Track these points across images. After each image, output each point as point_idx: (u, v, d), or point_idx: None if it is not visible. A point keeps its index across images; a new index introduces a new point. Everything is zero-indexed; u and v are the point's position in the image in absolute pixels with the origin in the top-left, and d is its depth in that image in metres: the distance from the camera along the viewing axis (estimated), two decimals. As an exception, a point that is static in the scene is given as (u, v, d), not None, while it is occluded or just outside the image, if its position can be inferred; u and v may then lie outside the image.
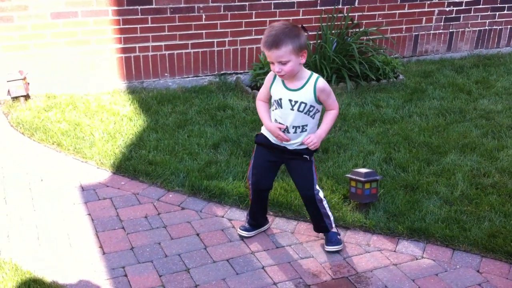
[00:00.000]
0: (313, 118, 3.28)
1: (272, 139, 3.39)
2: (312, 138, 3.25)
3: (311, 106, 3.22)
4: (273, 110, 3.35)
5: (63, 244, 3.52)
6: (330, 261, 3.44)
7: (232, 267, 3.35)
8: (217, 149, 4.73)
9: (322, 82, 3.23)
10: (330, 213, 3.52)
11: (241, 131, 5.05)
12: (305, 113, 3.24)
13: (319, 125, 3.36)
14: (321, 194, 3.47)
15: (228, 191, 4.07)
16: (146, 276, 3.25)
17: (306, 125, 3.27)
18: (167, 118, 5.30)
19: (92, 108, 5.47)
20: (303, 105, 3.21)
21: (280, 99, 3.25)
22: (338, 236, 3.56)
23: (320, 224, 3.54)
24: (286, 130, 3.29)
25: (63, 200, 4.01)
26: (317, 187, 3.45)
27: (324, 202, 3.49)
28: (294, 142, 3.33)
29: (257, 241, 3.62)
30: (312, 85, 3.21)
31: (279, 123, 3.30)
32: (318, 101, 3.24)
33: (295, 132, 3.29)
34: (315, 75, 3.25)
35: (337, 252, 3.51)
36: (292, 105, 3.22)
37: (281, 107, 3.26)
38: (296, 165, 3.42)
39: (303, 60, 3.17)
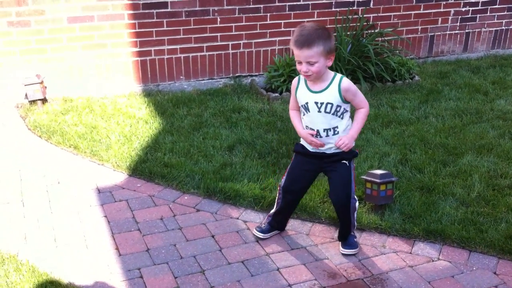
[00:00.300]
0: (342, 118, 3.26)
1: (309, 147, 3.39)
2: (344, 139, 3.24)
3: (337, 106, 3.21)
4: (302, 117, 3.36)
5: (79, 246, 3.55)
6: (345, 263, 3.43)
7: (247, 268, 3.36)
8: (232, 151, 4.74)
9: (346, 82, 3.22)
10: (355, 223, 3.52)
11: (256, 133, 5.05)
12: (333, 114, 3.23)
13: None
14: (357, 204, 3.45)
15: (243, 193, 4.08)
16: (162, 277, 3.26)
17: (337, 127, 3.26)
18: (182, 121, 5.33)
19: (108, 111, 5.52)
20: (329, 105, 3.21)
21: (307, 103, 3.26)
22: (355, 239, 3.55)
23: (344, 231, 3.53)
24: (318, 135, 3.29)
25: (80, 202, 4.05)
26: (355, 196, 3.43)
27: (356, 213, 3.47)
28: (330, 146, 3.31)
29: (272, 242, 3.62)
30: (336, 84, 3.20)
31: (310, 129, 3.31)
32: (344, 100, 3.23)
33: (327, 135, 3.28)
34: (339, 75, 3.25)
35: (353, 255, 3.50)
36: (319, 107, 3.22)
37: (309, 111, 3.27)
38: (333, 170, 3.38)
39: (330, 63, 3.18)
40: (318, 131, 3.28)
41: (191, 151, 4.71)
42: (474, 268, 3.37)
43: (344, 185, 3.36)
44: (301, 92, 3.30)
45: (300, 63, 3.14)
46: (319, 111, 3.23)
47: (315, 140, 3.29)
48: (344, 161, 3.34)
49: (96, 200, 4.07)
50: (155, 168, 4.41)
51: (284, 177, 3.52)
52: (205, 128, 5.17)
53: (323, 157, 3.36)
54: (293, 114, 3.44)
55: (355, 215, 3.48)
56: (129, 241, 3.60)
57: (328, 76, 3.23)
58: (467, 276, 3.31)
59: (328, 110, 3.22)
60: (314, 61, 3.10)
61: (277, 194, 3.59)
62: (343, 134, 3.29)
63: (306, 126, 3.34)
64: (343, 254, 3.49)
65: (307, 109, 3.27)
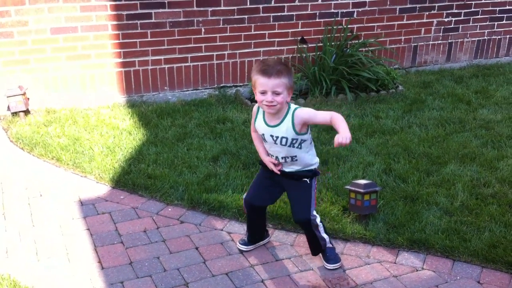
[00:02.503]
0: (300, 148, 3.25)
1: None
2: (339, 139, 2.96)
3: (292, 139, 3.20)
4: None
5: (61, 260, 3.50)
6: (329, 274, 3.42)
7: (231, 280, 3.34)
8: (216, 162, 4.73)
9: (299, 112, 3.17)
10: (325, 235, 3.48)
11: (240, 143, 5.04)
12: (289, 146, 3.23)
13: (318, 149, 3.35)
14: (318, 220, 3.41)
15: (228, 204, 4.06)
16: (145, 290, 3.23)
17: (295, 156, 3.27)
18: (166, 132, 5.31)
19: (91, 123, 5.48)
20: (284, 139, 3.21)
21: (263, 134, 3.29)
22: (336, 251, 3.54)
23: (314, 247, 3.50)
24: (277, 159, 3.32)
25: (62, 215, 4.01)
26: (314, 212, 3.39)
27: (320, 227, 3.43)
28: (291, 170, 3.33)
29: (256, 254, 3.60)
30: (290, 117, 3.18)
31: (270, 154, 3.34)
32: (298, 132, 3.19)
33: (285, 161, 3.30)
34: (294, 106, 3.20)
35: (338, 268, 3.48)
36: (274, 139, 3.24)
37: (266, 141, 3.31)
38: (293, 188, 3.39)
39: (289, 99, 3.17)
40: (277, 157, 3.31)
41: (175, 162, 4.69)
42: (458, 277, 3.38)
43: (304, 203, 3.35)
44: (258, 123, 3.30)
45: (264, 93, 3.09)
46: (275, 143, 3.25)
47: (275, 168, 3.33)
48: (305, 179, 3.33)
49: (79, 213, 4.03)
50: (138, 180, 4.38)
51: (248, 190, 3.53)
52: (190, 139, 5.15)
53: (284, 175, 3.36)
54: (255, 137, 3.46)
55: (321, 229, 3.42)
56: (112, 254, 3.57)
57: (283, 111, 3.19)
58: (451, 285, 3.31)
59: (283, 143, 3.23)
60: (280, 91, 3.08)
61: (244, 208, 3.60)
62: (304, 160, 3.28)
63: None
64: (328, 269, 3.47)
65: (264, 139, 3.31)
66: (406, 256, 3.59)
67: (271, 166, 3.34)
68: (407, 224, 3.82)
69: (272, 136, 3.23)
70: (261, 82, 3.09)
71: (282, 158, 3.29)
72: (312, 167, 3.35)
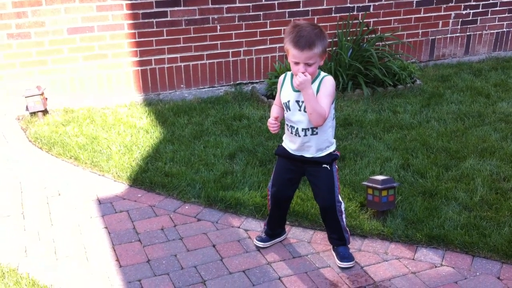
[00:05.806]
0: None
1: (290, 149, 3.38)
2: (300, 79, 3.06)
3: None
4: (285, 114, 3.34)
5: (80, 258, 3.53)
6: (347, 271, 3.40)
7: (248, 278, 3.33)
8: (233, 159, 4.73)
9: (328, 78, 3.18)
10: (347, 229, 3.48)
11: (257, 140, 5.04)
12: None
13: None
14: (342, 207, 3.42)
15: (244, 201, 4.06)
16: (162, 288, 3.25)
17: (316, 128, 3.22)
18: (183, 130, 5.32)
19: (109, 121, 5.51)
20: None
21: (288, 101, 3.24)
22: (349, 250, 3.51)
23: (340, 236, 3.47)
24: (296, 133, 3.27)
25: (80, 213, 4.04)
26: (340, 198, 3.40)
27: (344, 216, 3.43)
28: (309, 148, 3.29)
29: (273, 251, 3.59)
30: (317, 84, 3.17)
31: (290, 126, 3.29)
32: None
33: (305, 135, 3.25)
34: (324, 73, 3.21)
35: (351, 267, 3.44)
36: (300, 105, 3.20)
37: (289, 110, 3.25)
38: (315, 174, 3.36)
39: (322, 63, 3.17)
40: (297, 129, 3.26)
41: (192, 159, 4.70)
42: (478, 274, 3.33)
43: (328, 188, 3.34)
44: (285, 90, 3.28)
45: (297, 63, 3.10)
46: (299, 110, 3.21)
47: (271, 124, 3.30)
48: (325, 165, 3.32)
49: (97, 211, 4.06)
50: (155, 178, 4.40)
51: (271, 182, 3.52)
52: (206, 137, 5.16)
53: (304, 161, 3.34)
54: (273, 107, 3.45)
55: (344, 218, 3.43)
56: (130, 252, 3.59)
57: (314, 76, 3.17)
58: (471, 281, 3.27)
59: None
60: (313, 62, 3.08)
61: (268, 200, 3.58)
62: (323, 135, 3.26)
63: (287, 124, 3.33)
64: (341, 268, 3.43)
65: (288, 107, 3.25)
66: (425, 252, 3.55)
67: (269, 121, 3.32)
68: (425, 220, 3.78)
69: (298, 102, 3.20)
70: (293, 54, 3.08)
71: (302, 130, 3.24)
72: (331, 149, 3.33)
